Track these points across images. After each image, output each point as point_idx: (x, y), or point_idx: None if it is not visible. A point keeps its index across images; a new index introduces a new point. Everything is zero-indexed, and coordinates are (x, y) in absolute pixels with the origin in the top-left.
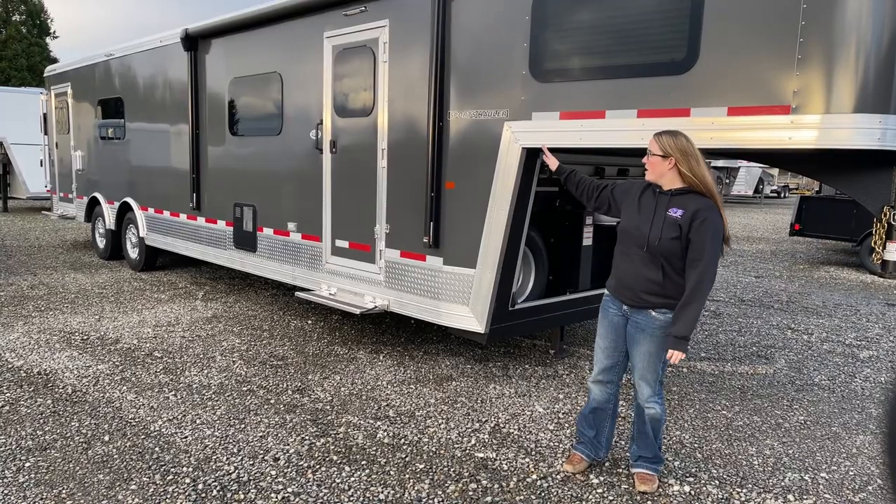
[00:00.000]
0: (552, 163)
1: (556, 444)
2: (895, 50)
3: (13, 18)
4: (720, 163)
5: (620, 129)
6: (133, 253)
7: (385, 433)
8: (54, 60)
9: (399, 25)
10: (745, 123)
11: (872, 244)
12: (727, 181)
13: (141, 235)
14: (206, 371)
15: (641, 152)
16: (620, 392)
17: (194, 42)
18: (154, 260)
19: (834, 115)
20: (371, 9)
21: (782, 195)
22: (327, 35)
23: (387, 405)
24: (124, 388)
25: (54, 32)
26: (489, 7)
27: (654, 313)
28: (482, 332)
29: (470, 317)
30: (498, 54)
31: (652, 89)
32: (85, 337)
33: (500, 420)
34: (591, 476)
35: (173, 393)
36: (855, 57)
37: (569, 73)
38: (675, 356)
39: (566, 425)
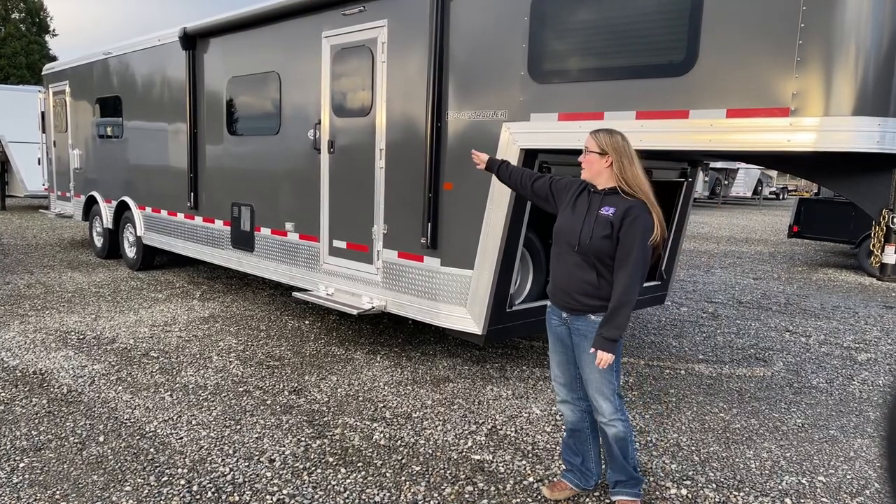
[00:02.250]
0: (480, 158)
1: (554, 446)
2: (894, 53)
3: (12, 16)
4: (719, 164)
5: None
6: (130, 252)
7: (381, 435)
8: (53, 58)
9: (398, 25)
10: (744, 126)
11: (871, 247)
12: (726, 182)
13: (138, 234)
14: (202, 371)
15: (640, 154)
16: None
17: (192, 41)
18: (151, 259)
19: (833, 118)
20: (370, 9)
21: (781, 197)
22: (326, 35)
23: (383, 406)
24: (120, 388)
25: (53, 30)
26: (488, 7)
27: (593, 317)
28: (479, 333)
29: (467, 318)
30: (496, 55)
31: (650, 91)
32: (81, 336)
33: (497, 422)
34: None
35: (169, 393)
36: (854, 59)
37: (567, 75)
38: (602, 358)
39: (563, 427)
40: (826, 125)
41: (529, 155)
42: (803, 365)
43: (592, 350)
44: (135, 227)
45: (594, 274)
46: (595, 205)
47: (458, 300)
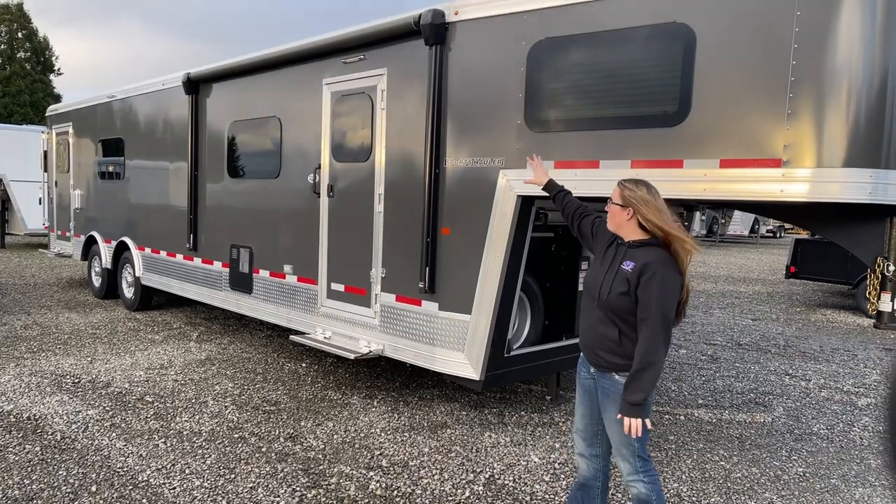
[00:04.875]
0: (540, 175)
1: (552, 496)
2: (884, 105)
3: (18, 55)
4: None
5: (615, 178)
6: (128, 292)
7: (378, 484)
8: (57, 97)
9: (397, 74)
10: (738, 176)
11: (866, 295)
12: (723, 221)
13: (137, 275)
14: (197, 417)
15: None
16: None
17: (196, 86)
18: (149, 299)
19: (825, 170)
20: (370, 57)
21: (778, 235)
22: (326, 81)
23: (380, 454)
24: (113, 434)
25: (59, 69)
26: (485, 58)
27: (617, 377)
28: (477, 379)
29: (465, 363)
30: (493, 104)
31: (645, 140)
32: (76, 380)
33: (495, 470)
34: None
35: (163, 440)
36: (844, 112)
37: (563, 124)
38: (630, 425)
39: (562, 476)
40: (818, 176)
41: (526, 202)
42: (803, 410)
43: (619, 416)
44: (133, 268)
45: (616, 331)
46: (619, 258)
47: (455, 345)
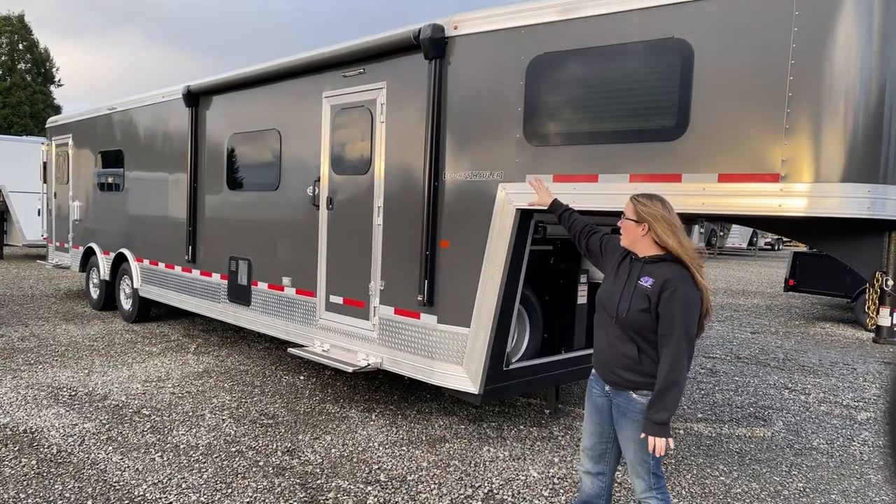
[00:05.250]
0: (544, 197)
1: None
2: (881, 121)
3: (18, 66)
4: None
5: (613, 192)
6: (126, 304)
7: (375, 499)
8: (57, 108)
9: (396, 87)
10: (736, 190)
11: (865, 309)
12: (721, 234)
13: (135, 287)
14: (194, 430)
15: None
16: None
17: (196, 98)
18: (147, 311)
19: (823, 184)
20: (370, 71)
21: (776, 247)
22: (326, 95)
23: (378, 468)
24: (110, 448)
25: (59, 81)
26: (484, 72)
27: (634, 395)
28: (476, 392)
29: (464, 377)
30: (493, 117)
31: (644, 155)
32: (73, 393)
33: (493, 485)
34: None
35: (159, 454)
36: (842, 128)
37: (562, 138)
38: (655, 445)
39: (561, 491)
40: (816, 191)
41: (525, 215)
42: (803, 425)
43: (643, 436)
44: (131, 279)
45: (635, 348)
46: (635, 274)
47: (454, 358)
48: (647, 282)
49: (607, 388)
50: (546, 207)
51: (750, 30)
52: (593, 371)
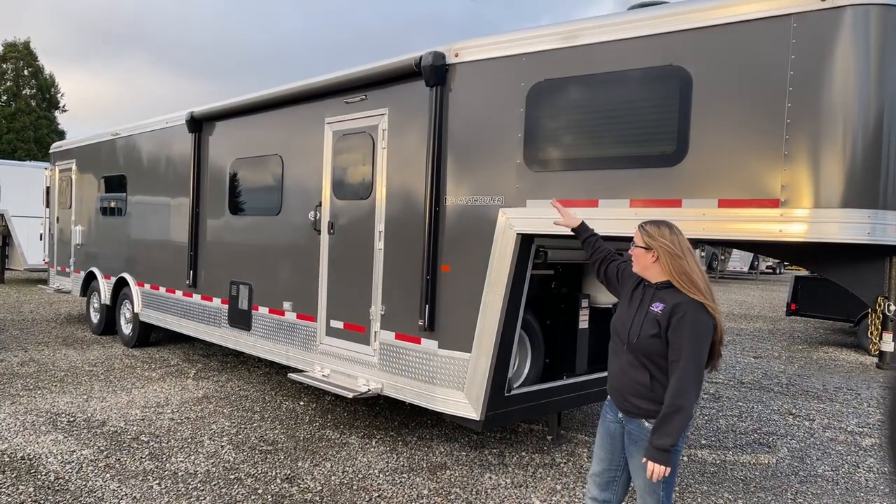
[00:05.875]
0: (569, 219)
1: None
2: (880, 147)
3: (23, 92)
4: None
5: (613, 217)
6: (126, 328)
7: None
8: (61, 133)
9: (398, 113)
10: (736, 215)
11: (868, 335)
12: (722, 257)
13: (135, 311)
14: (192, 457)
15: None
16: None
17: (199, 124)
18: (147, 336)
19: (822, 210)
20: (371, 97)
21: (777, 271)
22: (328, 121)
23: (378, 496)
24: (108, 475)
25: (63, 106)
26: (485, 99)
27: (647, 424)
28: (477, 418)
29: (465, 403)
30: (493, 143)
31: (644, 180)
32: (71, 419)
33: None
34: None
35: (157, 482)
36: (841, 153)
37: (562, 163)
38: (653, 470)
39: None
40: (816, 216)
41: (526, 239)
42: (808, 451)
43: (644, 460)
44: (132, 304)
45: (647, 375)
46: (647, 300)
47: (455, 384)
48: (657, 307)
49: (620, 415)
50: (571, 230)
51: (747, 57)
52: (608, 397)
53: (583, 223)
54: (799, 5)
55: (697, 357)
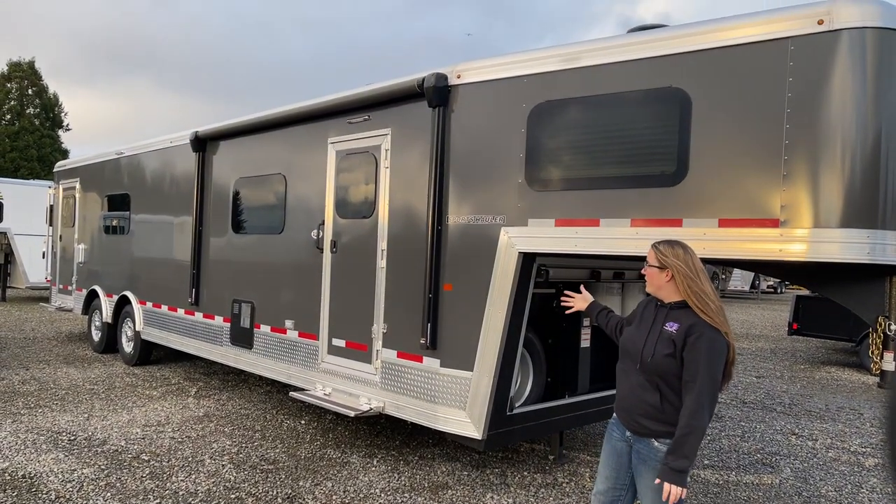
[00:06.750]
0: (580, 304)
1: None
2: (878, 167)
3: (27, 111)
4: None
5: (615, 237)
6: (128, 347)
7: None
8: (65, 152)
9: (401, 134)
10: (737, 235)
11: (869, 354)
12: (723, 276)
13: (137, 329)
14: (193, 476)
15: (636, 259)
16: None
17: (203, 143)
18: (148, 354)
19: (822, 230)
20: (374, 118)
21: (779, 290)
22: (331, 141)
23: None
24: (108, 494)
25: (67, 125)
26: (487, 120)
27: (656, 443)
28: (479, 438)
29: (467, 422)
30: (495, 163)
31: (644, 200)
32: (72, 437)
33: None
34: None
35: (158, 501)
36: (840, 173)
37: (563, 183)
38: (670, 492)
39: None
40: (815, 237)
41: (527, 258)
42: (811, 471)
43: (658, 481)
44: (134, 322)
45: (658, 396)
46: (660, 319)
47: (457, 403)
48: (672, 327)
49: (628, 433)
50: (584, 312)
51: (746, 79)
52: (614, 415)
53: (594, 301)
54: (796, 29)
55: (712, 378)
